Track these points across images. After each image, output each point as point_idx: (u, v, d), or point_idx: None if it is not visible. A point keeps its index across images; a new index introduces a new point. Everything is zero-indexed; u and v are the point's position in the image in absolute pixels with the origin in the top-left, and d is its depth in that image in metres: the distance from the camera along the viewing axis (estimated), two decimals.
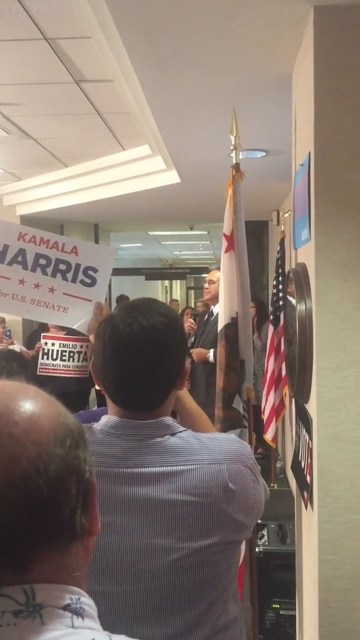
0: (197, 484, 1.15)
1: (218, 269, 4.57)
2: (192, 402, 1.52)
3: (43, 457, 0.62)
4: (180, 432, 1.21)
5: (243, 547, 2.22)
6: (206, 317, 4.90)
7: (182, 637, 1.14)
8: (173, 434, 1.20)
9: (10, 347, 5.02)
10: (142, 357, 1.19)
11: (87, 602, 0.66)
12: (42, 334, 5.09)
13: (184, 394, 1.49)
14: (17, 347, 5.05)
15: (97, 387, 4.16)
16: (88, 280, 2.29)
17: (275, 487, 4.80)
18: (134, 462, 1.16)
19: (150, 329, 1.19)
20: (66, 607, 0.63)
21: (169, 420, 1.22)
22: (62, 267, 2.29)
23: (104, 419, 1.22)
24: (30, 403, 0.66)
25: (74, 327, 2.29)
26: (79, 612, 0.64)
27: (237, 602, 1.27)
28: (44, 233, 2.32)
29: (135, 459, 1.16)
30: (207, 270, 13.74)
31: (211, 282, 4.59)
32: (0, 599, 0.60)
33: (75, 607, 0.64)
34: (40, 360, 5.06)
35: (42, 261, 2.28)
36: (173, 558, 1.13)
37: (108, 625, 1.09)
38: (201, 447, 1.19)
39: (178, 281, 19.66)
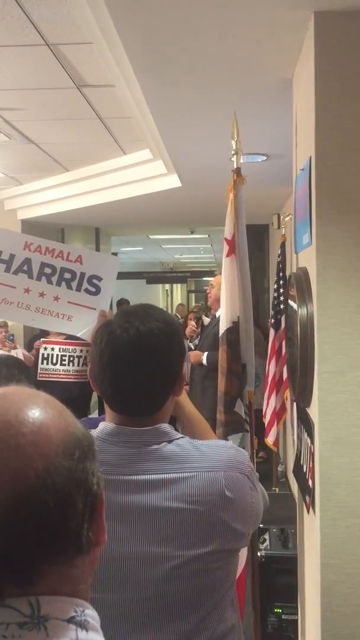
0: (194, 491, 1.14)
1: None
2: (192, 407, 1.52)
3: (51, 470, 0.61)
4: (178, 439, 1.21)
5: (244, 552, 2.22)
6: (208, 322, 4.95)
7: None
8: (170, 441, 1.19)
9: (13, 351, 5.02)
10: (138, 363, 1.19)
11: (91, 614, 0.66)
12: (42, 339, 5.09)
13: (184, 399, 1.48)
14: (20, 351, 5.05)
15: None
16: (92, 289, 2.31)
17: (277, 491, 4.79)
18: (131, 470, 1.15)
19: (147, 334, 1.19)
20: (71, 620, 0.62)
21: (166, 427, 1.22)
22: (67, 275, 2.31)
23: (101, 426, 1.22)
24: (40, 413, 0.65)
25: (78, 335, 2.32)
26: (83, 625, 0.63)
27: (236, 610, 1.27)
28: (49, 242, 2.36)
29: (132, 467, 1.15)
30: (208, 273, 13.78)
31: (212, 286, 4.62)
32: (5, 610, 0.60)
33: (80, 620, 0.63)
34: (40, 365, 5.05)
35: (48, 270, 2.31)
36: (170, 566, 1.12)
37: (106, 633, 1.09)
38: (198, 455, 1.18)
39: (179, 285, 19.67)
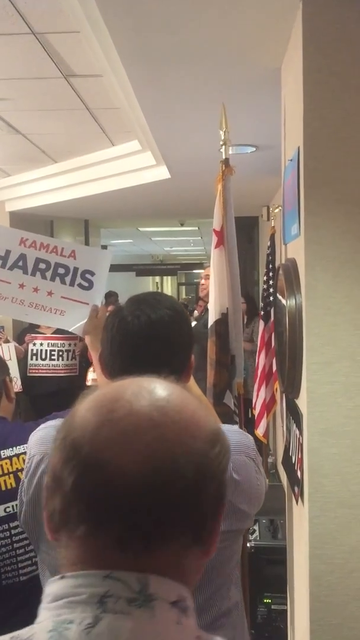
0: None
1: None
2: (199, 391, 1.56)
3: (199, 455, 0.67)
4: None
5: None
6: (199, 318, 4.94)
7: None
8: None
9: (5, 345, 5.00)
10: (148, 348, 1.21)
11: (190, 605, 0.67)
12: (27, 334, 5.07)
13: (192, 384, 1.52)
14: (12, 344, 5.03)
15: (88, 384, 4.16)
16: (85, 284, 2.33)
17: (267, 483, 4.81)
18: None
19: (158, 321, 1.22)
20: (175, 603, 0.64)
21: None
22: (61, 271, 2.34)
23: None
24: (194, 405, 0.72)
25: (70, 330, 2.34)
26: (185, 611, 0.65)
27: (239, 588, 1.33)
28: (44, 238, 2.38)
29: None
30: (198, 266, 13.75)
31: (207, 277, 4.59)
32: (115, 583, 0.62)
33: (183, 605, 0.65)
34: (29, 362, 5.04)
35: (42, 265, 2.33)
36: None
37: None
38: None
39: (169, 277, 19.65)
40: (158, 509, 0.63)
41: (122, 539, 0.63)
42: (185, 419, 0.68)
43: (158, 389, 0.71)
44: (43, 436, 1.27)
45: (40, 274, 2.33)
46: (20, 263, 2.32)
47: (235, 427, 1.37)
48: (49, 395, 4.97)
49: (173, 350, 1.23)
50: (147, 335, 1.21)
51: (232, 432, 1.28)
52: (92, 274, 2.34)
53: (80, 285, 2.33)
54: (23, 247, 2.33)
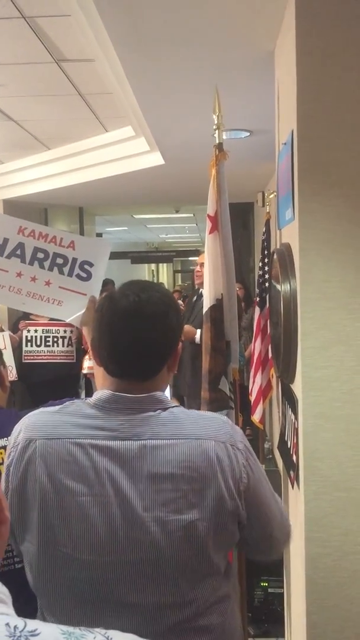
0: (185, 457, 1.18)
1: None
2: None
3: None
4: (172, 407, 1.25)
5: None
6: (195, 298, 4.88)
7: (173, 608, 1.17)
8: (165, 409, 1.23)
9: (0, 333, 4.97)
10: (135, 326, 1.23)
11: (1, 589, 0.66)
12: (25, 321, 5.04)
13: None
14: (7, 333, 5.01)
15: (84, 372, 4.15)
16: (84, 275, 2.33)
17: (264, 468, 4.83)
18: (125, 435, 1.19)
19: (147, 300, 1.24)
20: None
21: (161, 395, 1.26)
22: (59, 261, 2.33)
23: (98, 394, 1.26)
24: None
25: (67, 321, 2.34)
26: None
27: (230, 580, 1.31)
28: (43, 227, 2.37)
29: (127, 432, 1.19)
30: (194, 253, 13.70)
31: (202, 265, 4.54)
32: None
33: None
34: (24, 348, 5.02)
35: (40, 255, 2.32)
36: (161, 530, 1.15)
37: (100, 593, 1.09)
38: (191, 424, 1.22)
39: (165, 264, 19.60)
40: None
41: None
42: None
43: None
44: (30, 423, 1.25)
45: (39, 264, 2.32)
46: (19, 252, 2.31)
47: (225, 417, 1.33)
48: (45, 383, 4.95)
49: (159, 329, 1.24)
50: (135, 311, 1.23)
51: (220, 421, 1.27)
52: (91, 265, 2.34)
53: (78, 276, 2.32)
54: (21, 236, 2.31)
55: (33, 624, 0.61)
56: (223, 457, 1.20)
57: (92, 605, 1.17)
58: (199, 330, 4.35)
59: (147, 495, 1.16)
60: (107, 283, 9.09)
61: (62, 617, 1.18)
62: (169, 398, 1.31)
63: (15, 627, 0.60)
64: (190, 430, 1.21)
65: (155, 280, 19.24)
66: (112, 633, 0.63)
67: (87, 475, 1.17)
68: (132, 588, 1.16)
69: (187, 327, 4.53)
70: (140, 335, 1.23)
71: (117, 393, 1.23)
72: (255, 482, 1.27)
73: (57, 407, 1.28)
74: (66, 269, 2.32)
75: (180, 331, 1.33)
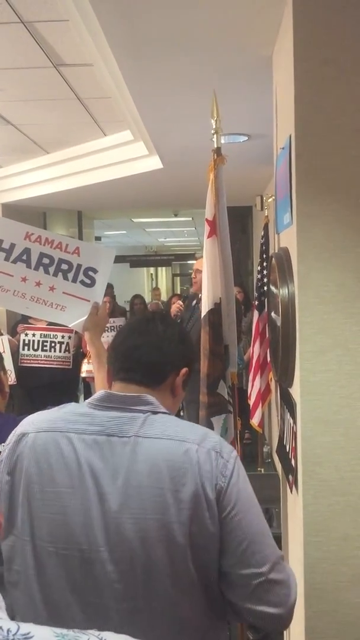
0: (167, 457, 1.16)
1: None
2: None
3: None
4: (162, 413, 1.26)
5: None
6: (194, 302, 4.88)
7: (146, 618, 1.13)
8: (154, 413, 1.24)
9: None
10: (144, 330, 1.34)
11: None
12: (23, 325, 5.03)
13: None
14: (6, 337, 5.00)
15: (83, 375, 4.15)
16: (88, 281, 2.36)
17: (262, 472, 4.83)
18: (112, 431, 1.20)
19: (163, 315, 1.41)
20: None
21: (151, 398, 1.27)
22: (64, 267, 2.35)
23: (97, 394, 1.29)
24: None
25: (70, 326, 2.37)
26: None
27: (215, 609, 1.20)
28: (49, 234, 2.41)
29: (114, 428, 1.20)
30: (192, 256, 13.70)
31: (197, 271, 4.56)
32: None
33: None
34: (21, 352, 5.00)
35: (46, 260, 2.34)
36: (136, 529, 1.12)
37: (72, 595, 1.11)
38: (178, 427, 1.22)
39: (163, 268, 19.60)
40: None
41: None
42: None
43: None
44: (26, 421, 1.30)
45: (44, 269, 2.34)
46: (24, 257, 2.34)
47: (217, 436, 1.28)
48: (43, 387, 4.94)
49: (164, 338, 1.33)
50: (149, 318, 1.37)
51: (210, 434, 1.24)
52: (95, 271, 2.36)
53: (82, 282, 2.35)
54: (28, 242, 2.34)
55: (26, 627, 0.62)
56: (204, 462, 1.16)
57: (65, 605, 1.14)
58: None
59: (124, 492, 1.14)
60: (106, 287, 9.12)
61: (29, 616, 1.14)
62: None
63: (8, 630, 0.60)
64: (176, 432, 1.20)
65: (154, 284, 19.26)
66: (105, 635, 0.63)
67: (70, 467, 1.17)
68: (110, 589, 1.13)
69: None
70: (145, 340, 1.32)
71: (110, 391, 1.28)
72: (242, 502, 1.17)
73: (56, 407, 1.32)
74: (71, 275, 2.35)
75: (186, 359, 1.38)
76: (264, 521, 1.21)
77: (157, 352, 1.32)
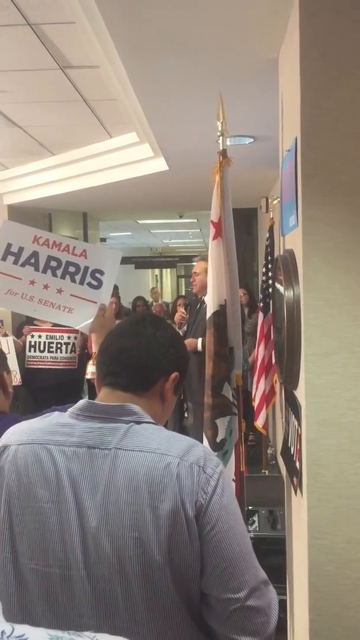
0: (146, 471, 1.11)
1: (202, 259, 4.56)
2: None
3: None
4: (147, 422, 1.20)
5: None
6: (198, 306, 4.88)
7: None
8: (138, 423, 1.19)
9: (4, 338, 4.99)
10: (132, 332, 1.29)
11: None
12: (29, 326, 5.04)
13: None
14: (11, 338, 5.02)
15: (87, 377, 4.14)
16: (95, 283, 2.38)
17: (267, 474, 4.83)
18: (93, 443, 1.16)
19: (154, 317, 1.34)
20: None
21: (135, 407, 1.21)
22: (72, 269, 2.38)
23: (79, 403, 1.24)
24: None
25: (77, 328, 2.39)
26: None
27: (197, 636, 1.16)
28: (56, 236, 2.43)
29: (94, 440, 1.16)
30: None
31: (195, 273, 4.57)
32: None
33: None
34: (27, 353, 5.02)
35: (53, 263, 2.37)
36: (113, 546, 1.09)
37: (50, 614, 1.08)
38: (160, 439, 1.17)
39: (168, 270, 19.61)
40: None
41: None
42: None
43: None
44: (9, 432, 1.26)
45: (51, 272, 2.37)
46: (32, 260, 2.37)
47: (204, 447, 1.24)
48: (48, 388, 4.96)
49: (151, 343, 1.28)
50: (139, 321, 1.32)
51: (195, 445, 1.19)
52: (102, 273, 2.39)
53: (89, 284, 2.37)
54: (36, 245, 2.37)
55: (21, 628, 0.62)
56: (185, 477, 1.11)
57: (46, 623, 1.09)
58: (200, 339, 4.38)
59: (102, 507, 1.10)
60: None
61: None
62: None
63: (2, 632, 0.60)
64: (158, 445, 1.14)
65: (158, 285, 19.27)
66: (100, 636, 0.63)
67: (50, 481, 1.14)
68: (89, 607, 1.10)
69: (189, 341, 4.54)
70: (132, 343, 1.27)
71: (91, 401, 1.22)
72: (224, 521, 1.12)
73: (39, 417, 1.28)
74: (78, 277, 2.37)
75: (175, 365, 1.30)
76: (248, 542, 1.16)
77: (146, 356, 1.26)
